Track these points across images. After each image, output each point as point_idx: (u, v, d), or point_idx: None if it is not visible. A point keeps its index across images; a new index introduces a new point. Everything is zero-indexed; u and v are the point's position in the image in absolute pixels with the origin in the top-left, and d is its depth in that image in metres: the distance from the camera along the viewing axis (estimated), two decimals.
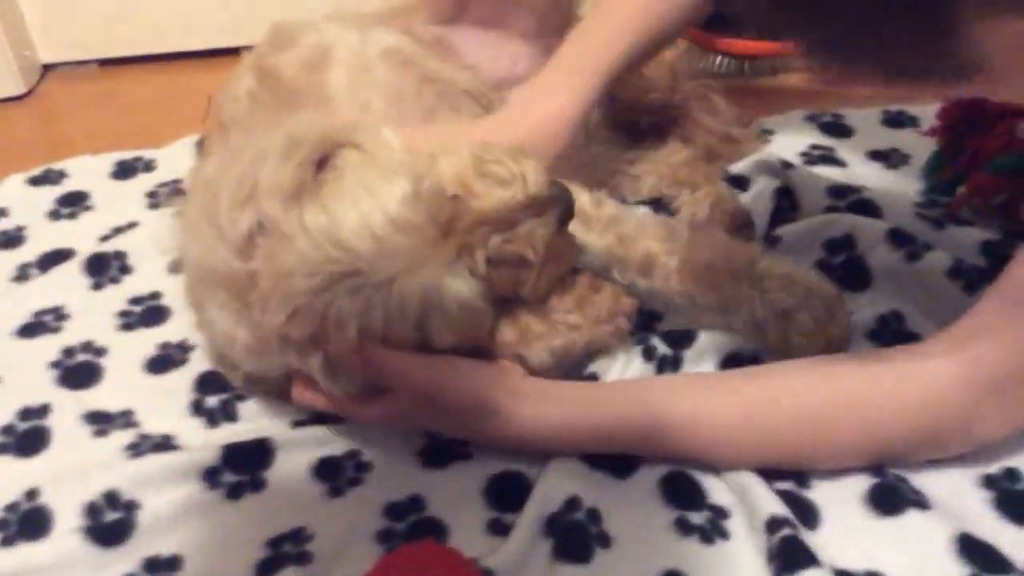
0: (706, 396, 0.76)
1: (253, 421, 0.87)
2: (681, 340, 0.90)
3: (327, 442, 0.83)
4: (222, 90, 1.00)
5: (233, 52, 1.53)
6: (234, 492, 0.80)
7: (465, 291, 0.72)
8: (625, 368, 0.87)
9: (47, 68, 1.57)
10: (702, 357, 0.89)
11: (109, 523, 0.77)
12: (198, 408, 0.89)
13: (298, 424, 0.85)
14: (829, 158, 1.17)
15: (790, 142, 1.19)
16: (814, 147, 1.19)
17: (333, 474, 0.81)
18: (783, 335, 0.84)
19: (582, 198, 0.90)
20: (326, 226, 0.68)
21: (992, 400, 0.71)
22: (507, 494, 0.77)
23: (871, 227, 0.96)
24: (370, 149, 0.74)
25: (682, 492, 0.76)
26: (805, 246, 0.98)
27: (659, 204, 1.11)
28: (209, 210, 0.74)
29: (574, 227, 0.85)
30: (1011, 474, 0.76)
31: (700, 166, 1.10)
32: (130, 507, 0.78)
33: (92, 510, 0.78)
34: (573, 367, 0.86)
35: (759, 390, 0.75)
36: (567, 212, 0.79)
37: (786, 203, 1.06)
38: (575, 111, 0.89)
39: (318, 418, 0.85)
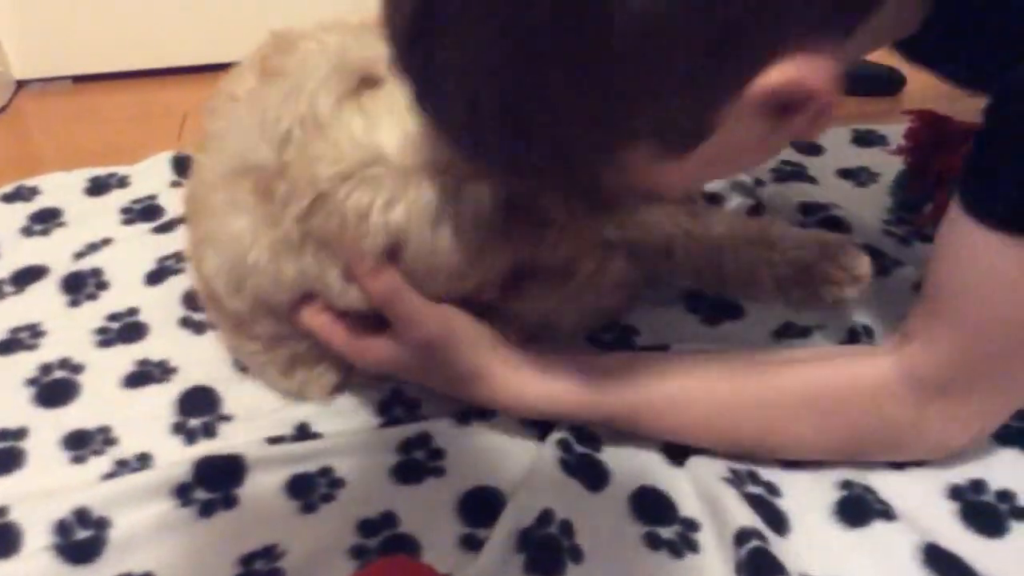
0: (690, 376, 0.78)
1: (231, 439, 0.87)
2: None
3: (300, 459, 0.83)
4: (214, 95, 0.99)
5: (208, 69, 1.55)
6: (206, 509, 0.79)
7: (484, 200, 0.71)
8: None
9: (20, 84, 1.57)
10: None
11: (80, 541, 0.77)
12: (179, 428, 0.88)
13: (272, 441, 0.85)
14: (800, 174, 1.19)
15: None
16: (785, 163, 1.21)
17: (306, 490, 0.81)
18: (809, 290, 0.89)
19: None
20: (361, 122, 0.71)
21: (941, 402, 0.72)
22: (480, 509, 0.78)
23: (836, 241, 0.97)
24: None
25: (652, 506, 0.77)
26: None
27: None
28: (254, 108, 0.77)
29: None
30: (977, 486, 0.77)
31: None
32: (101, 524, 0.78)
33: (62, 528, 0.78)
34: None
35: (730, 375, 0.78)
36: None
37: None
38: None
39: (296, 435, 0.86)
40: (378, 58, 0.74)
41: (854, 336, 0.91)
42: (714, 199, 1.13)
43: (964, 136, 1.07)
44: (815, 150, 1.25)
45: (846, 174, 1.21)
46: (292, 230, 0.74)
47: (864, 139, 1.29)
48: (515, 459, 0.82)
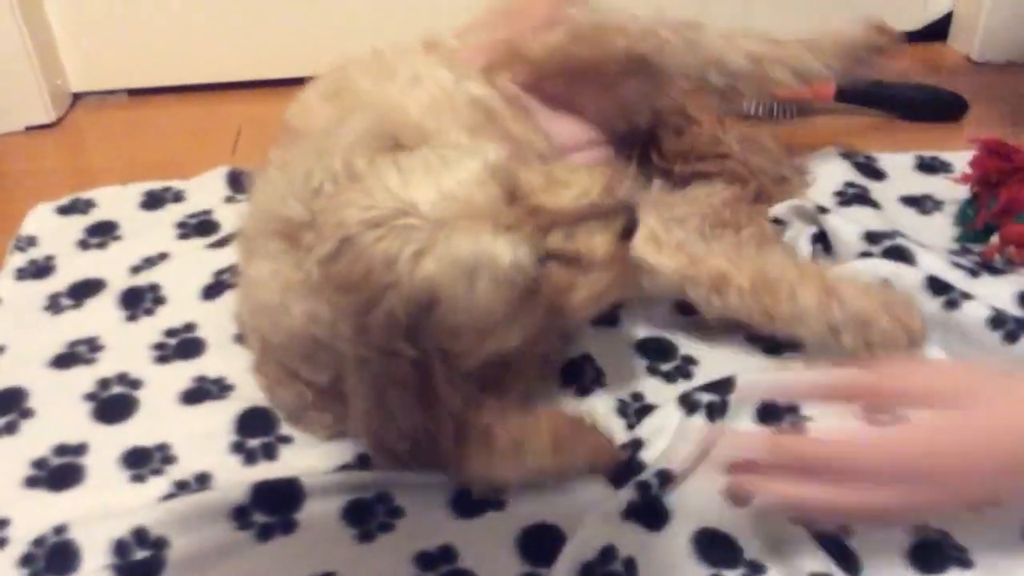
0: None
1: (291, 463, 0.86)
2: (721, 386, 0.88)
3: (359, 487, 0.82)
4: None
5: (263, 84, 1.56)
6: (264, 533, 0.79)
7: (521, 256, 0.70)
8: (663, 422, 0.86)
9: (77, 97, 1.58)
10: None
11: (137, 561, 0.77)
12: (238, 447, 0.88)
13: (334, 468, 0.85)
14: (864, 198, 1.16)
15: (826, 180, 1.19)
16: (849, 184, 1.18)
17: (364, 518, 0.80)
18: (861, 340, 0.87)
19: (651, 222, 0.90)
20: (396, 176, 0.71)
21: None
22: (540, 546, 0.77)
23: (909, 274, 0.95)
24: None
25: (716, 548, 0.76)
26: None
27: None
28: (287, 165, 0.79)
29: (644, 249, 0.86)
30: None
31: (742, 206, 1.10)
32: (159, 545, 0.78)
33: (120, 548, 0.78)
34: None
35: None
36: (631, 224, 0.78)
37: (820, 247, 1.06)
38: None
39: (355, 462, 0.85)
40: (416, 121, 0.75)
41: None
42: (776, 222, 1.11)
43: None
44: (877, 174, 1.23)
45: (910, 201, 1.18)
46: (313, 273, 0.73)
47: (928, 166, 1.26)
48: (575, 496, 0.81)
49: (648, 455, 0.83)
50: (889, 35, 1.10)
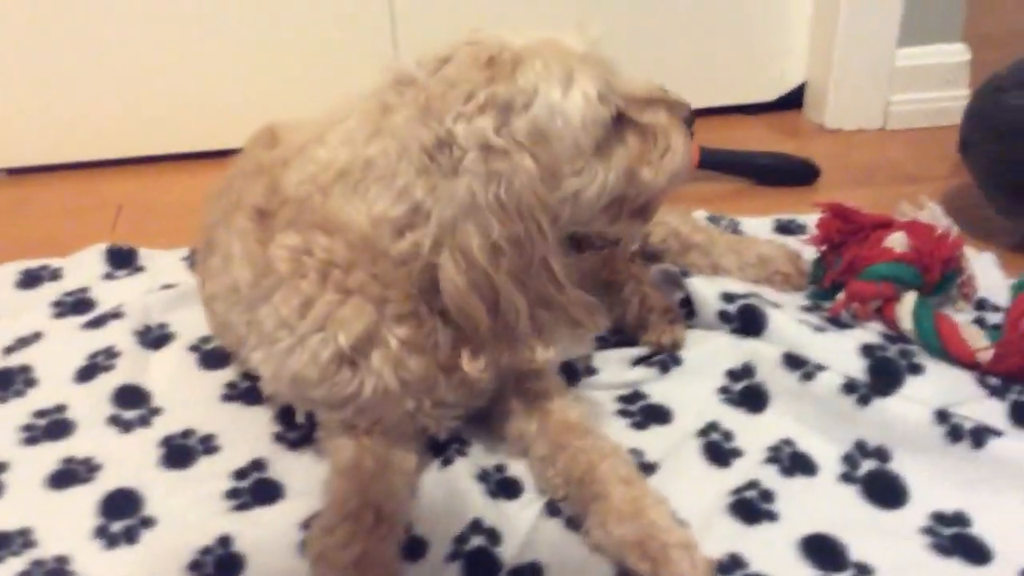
0: None
1: (153, 546, 0.86)
2: None
3: None
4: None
5: (143, 161, 1.56)
6: None
7: (607, 87, 0.82)
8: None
9: None
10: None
11: None
12: (100, 531, 0.87)
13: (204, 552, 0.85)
14: None
15: None
16: None
17: None
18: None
19: None
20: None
21: None
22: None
23: (767, 352, 1.01)
24: None
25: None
26: (707, 373, 1.03)
27: None
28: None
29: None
30: None
31: (623, 265, 1.15)
32: None
33: None
34: None
35: None
36: (691, 114, 0.92)
37: (684, 309, 1.12)
38: None
39: (217, 545, 0.85)
40: None
41: (777, 448, 0.93)
42: None
43: (871, 228, 1.13)
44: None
45: None
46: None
47: (785, 228, 1.34)
48: None
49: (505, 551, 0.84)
50: (798, 271, 1.19)
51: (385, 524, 0.82)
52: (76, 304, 1.21)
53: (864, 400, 0.92)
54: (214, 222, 0.96)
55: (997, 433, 0.86)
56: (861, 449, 0.91)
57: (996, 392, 0.94)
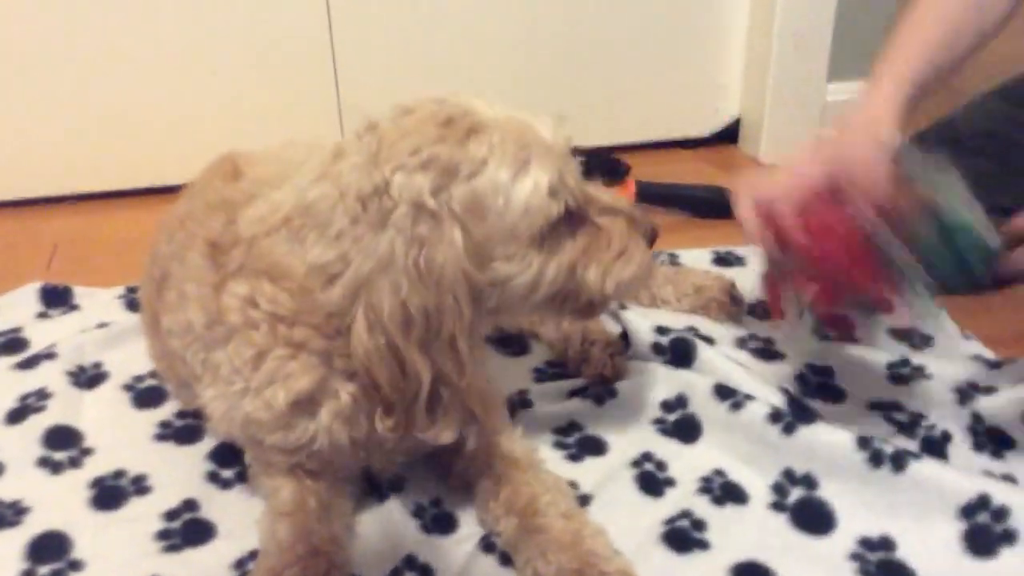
0: None
1: None
2: None
3: None
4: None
5: (79, 199, 1.55)
6: None
7: (561, 181, 0.79)
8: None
9: None
10: None
11: None
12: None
13: None
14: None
15: None
16: None
17: None
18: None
19: None
20: None
21: None
22: None
23: (699, 383, 1.03)
24: None
25: None
26: (642, 405, 1.04)
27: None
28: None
29: None
30: None
31: None
32: None
33: None
34: None
35: None
36: (654, 233, 0.90)
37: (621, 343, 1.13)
38: (886, 115, 0.93)
39: None
40: None
41: (708, 479, 0.95)
42: None
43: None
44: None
45: None
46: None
47: (723, 259, 1.37)
48: None
49: None
50: (732, 299, 1.22)
51: (335, 571, 0.81)
52: (8, 344, 1.19)
53: (789, 428, 0.93)
54: (170, 254, 0.95)
55: (917, 456, 0.89)
56: (789, 477, 0.92)
57: (904, 429, 0.98)
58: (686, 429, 1.01)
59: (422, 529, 0.90)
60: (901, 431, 0.98)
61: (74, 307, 1.27)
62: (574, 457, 0.98)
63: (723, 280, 1.24)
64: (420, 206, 0.74)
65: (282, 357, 0.81)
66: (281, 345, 0.81)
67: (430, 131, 0.76)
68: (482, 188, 0.76)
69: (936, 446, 0.96)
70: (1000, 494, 0.84)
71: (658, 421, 1.02)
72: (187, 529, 0.90)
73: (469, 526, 0.90)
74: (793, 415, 0.95)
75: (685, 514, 0.90)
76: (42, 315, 1.25)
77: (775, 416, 0.95)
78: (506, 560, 0.86)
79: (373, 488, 0.94)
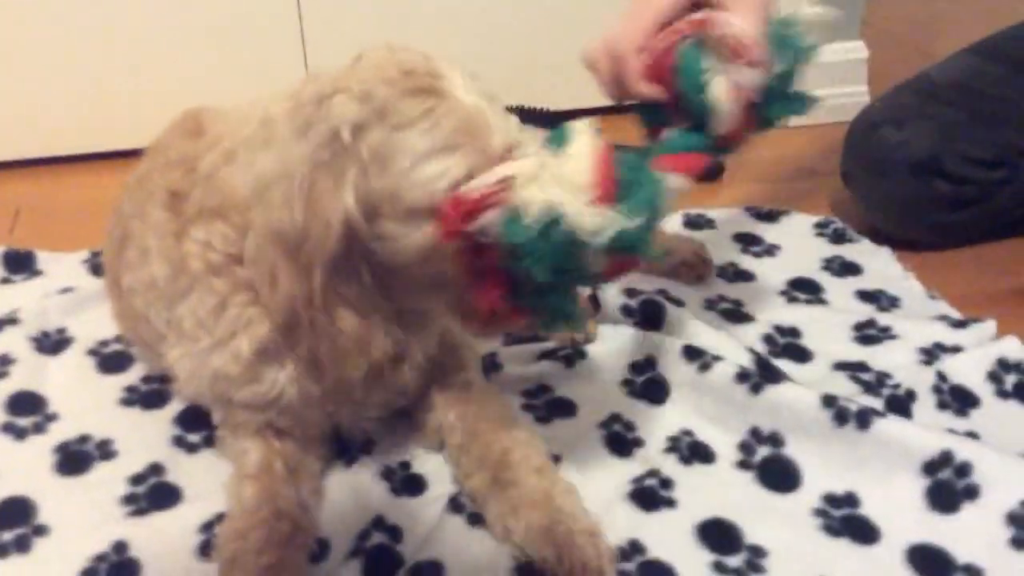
0: None
1: (46, 555, 0.84)
2: None
3: None
4: None
5: (41, 163, 1.52)
6: None
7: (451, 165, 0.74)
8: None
9: None
10: None
11: None
12: None
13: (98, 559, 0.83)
14: None
15: None
16: None
17: None
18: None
19: None
20: None
21: None
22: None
23: (668, 344, 1.03)
24: None
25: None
26: (611, 367, 1.04)
27: None
28: None
29: None
30: None
31: None
32: None
33: None
34: None
35: None
36: None
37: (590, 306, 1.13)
38: None
39: (112, 552, 0.83)
40: None
41: (676, 439, 0.95)
42: None
43: None
44: None
45: None
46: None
47: (694, 223, 1.37)
48: None
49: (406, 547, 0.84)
50: (703, 261, 1.22)
51: (301, 533, 0.82)
52: None
53: (756, 388, 0.94)
54: (130, 213, 0.93)
55: (881, 414, 0.89)
56: (756, 436, 0.93)
57: (870, 389, 0.99)
58: (654, 390, 1.01)
59: (391, 491, 0.89)
60: (867, 391, 0.99)
61: (37, 272, 1.25)
62: (542, 420, 0.98)
63: (692, 243, 1.24)
64: (335, 133, 0.73)
65: (243, 303, 0.81)
66: (242, 290, 0.80)
67: (390, 72, 0.75)
68: (397, 143, 0.73)
69: (901, 405, 0.96)
70: (963, 451, 0.85)
71: (627, 383, 1.02)
72: (153, 493, 0.90)
73: (438, 487, 0.90)
74: (760, 375, 0.96)
75: (652, 473, 0.90)
76: (5, 280, 1.23)
77: (742, 376, 0.95)
78: (475, 520, 0.86)
79: (342, 451, 0.94)
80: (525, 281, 0.72)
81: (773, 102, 0.86)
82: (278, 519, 0.81)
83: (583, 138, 0.74)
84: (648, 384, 1.02)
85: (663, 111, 0.88)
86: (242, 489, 0.85)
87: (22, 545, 0.84)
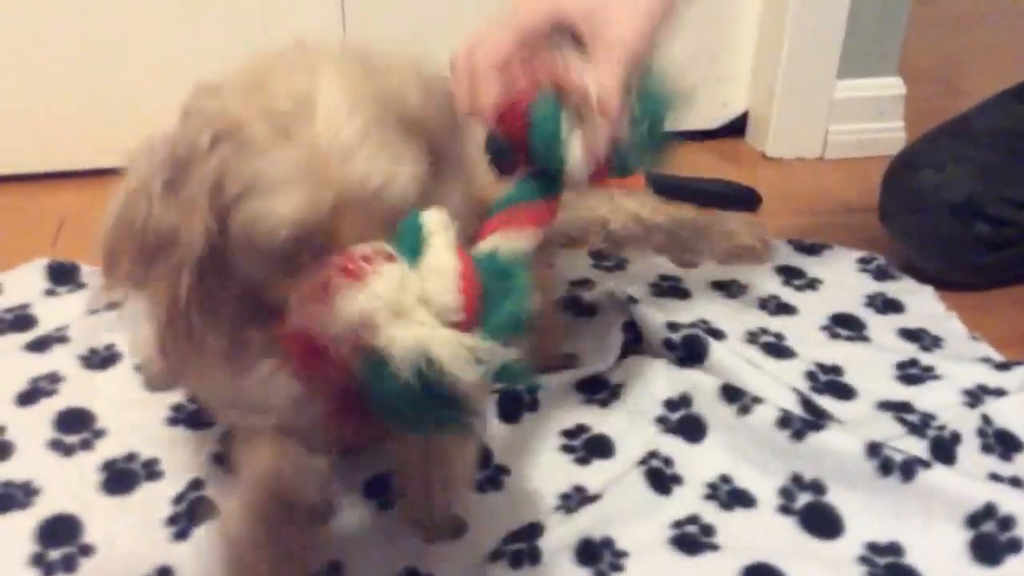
0: None
1: None
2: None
3: None
4: None
5: (86, 175, 1.53)
6: None
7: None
8: None
9: None
10: None
11: None
12: (37, 559, 0.86)
13: None
14: (676, 289, 1.28)
15: (644, 272, 1.31)
16: (663, 278, 1.30)
17: None
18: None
19: None
20: None
21: None
22: None
23: (705, 383, 1.02)
24: None
25: None
26: (645, 403, 1.04)
27: None
28: None
29: None
30: None
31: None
32: None
33: None
34: None
35: None
36: None
37: (631, 335, 1.13)
38: None
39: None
40: None
41: (715, 487, 0.95)
42: (590, 309, 1.21)
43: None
44: (692, 264, 1.32)
45: (718, 286, 1.28)
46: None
47: None
48: None
49: None
50: (763, 244, 1.21)
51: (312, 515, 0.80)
52: (16, 321, 1.18)
53: (799, 435, 0.94)
54: None
55: (926, 464, 0.89)
56: (797, 482, 0.93)
57: (915, 430, 0.99)
58: (690, 428, 1.01)
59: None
60: (912, 432, 0.98)
61: (81, 285, 1.26)
62: (582, 460, 0.99)
63: (754, 224, 1.24)
64: (194, 142, 0.69)
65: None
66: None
67: (255, 86, 0.70)
68: (235, 166, 0.68)
69: (946, 447, 0.96)
70: (1007, 503, 0.85)
71: (661, 420, 1.02)
72: (193, 509, 0.91)
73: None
74: (803, 421, 0.95)
75: (693, 519, 0.90)
76: (49, 292, 1.25)
77: (784, 421, 0.95)
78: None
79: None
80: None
81: (633, 153, 0.80)
82: (285, 521, 0.79)
83: (440, 244, 0.64)
84: (683, 421, 1.02)
85: (511, 151, 0.81)
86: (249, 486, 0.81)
87: (69, 565, 0.85)
